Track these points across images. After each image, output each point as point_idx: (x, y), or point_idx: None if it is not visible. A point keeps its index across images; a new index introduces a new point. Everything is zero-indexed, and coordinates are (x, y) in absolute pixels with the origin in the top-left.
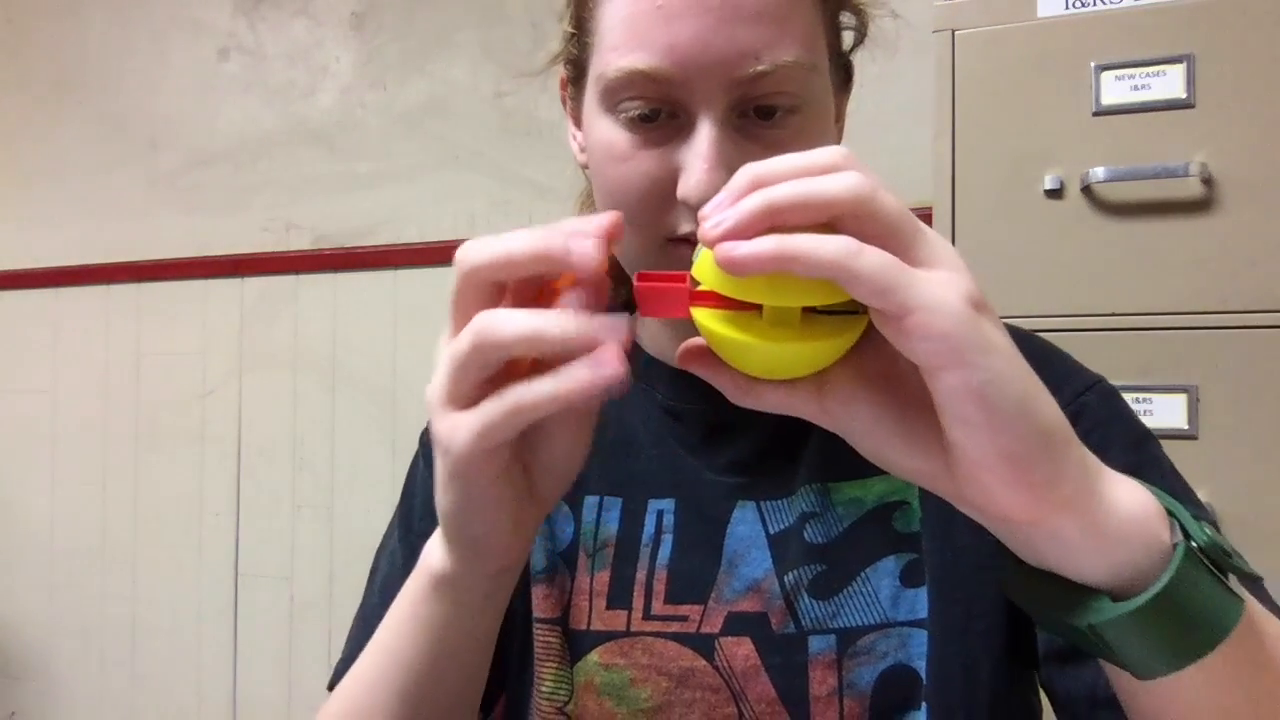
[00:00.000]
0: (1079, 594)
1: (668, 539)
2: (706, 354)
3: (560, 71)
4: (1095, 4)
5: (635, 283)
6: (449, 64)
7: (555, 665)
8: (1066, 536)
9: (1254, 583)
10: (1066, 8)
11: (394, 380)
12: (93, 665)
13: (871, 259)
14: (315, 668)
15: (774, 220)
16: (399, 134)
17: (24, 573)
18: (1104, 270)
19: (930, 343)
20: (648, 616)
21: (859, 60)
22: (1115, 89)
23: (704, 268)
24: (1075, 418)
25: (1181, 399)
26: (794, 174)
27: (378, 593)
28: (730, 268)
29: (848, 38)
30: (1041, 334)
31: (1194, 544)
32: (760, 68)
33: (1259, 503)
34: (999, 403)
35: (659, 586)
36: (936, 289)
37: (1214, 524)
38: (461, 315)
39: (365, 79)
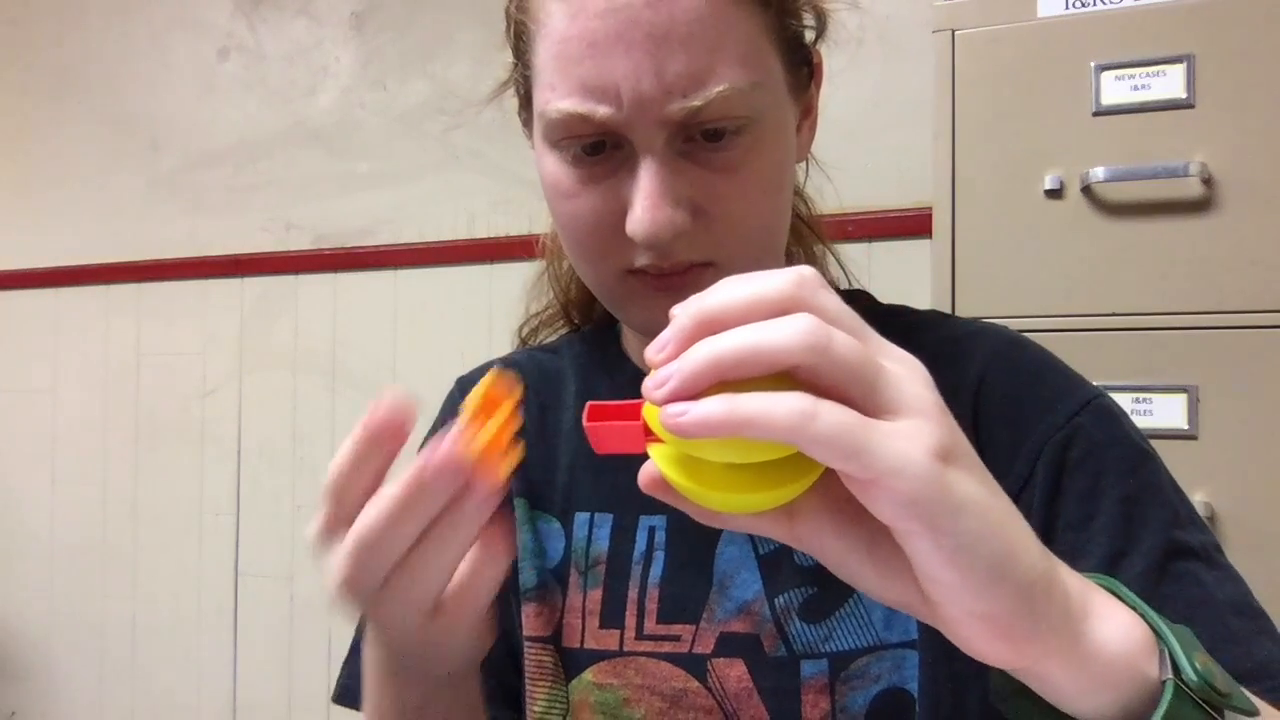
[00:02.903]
0: None
1: (659, 556)
2: (667, 484)
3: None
4: (1095, 4)
5: (585, 421)
6: (449, 64)
7: (549, 685)
8: (1051, 680)
9: (1251, 717)
10: (1066, 8)
11: (394, 380)
12: (93, 665)
13: (828, 421)
14: (315, 668)
15: (722, 376)
16: (399, 134)
17: (24, 572)
18: (1104, 270)
19: (896, 508)
20: (640, 636)
21: (859, 60)
22: (1115, 89)
23: (655, 416)
24: (1068, 441)
25: (1181, 399)
26: (743, 313)
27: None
28: (678, 433)
29: (809, 32)
30: (1041, 334)
31: (1184, 680)
32: (692, 104)
33: (1259, 503)
34: (972, 566)
35: (651, 605)
36: (900, 446)
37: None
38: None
39: (365, 79)
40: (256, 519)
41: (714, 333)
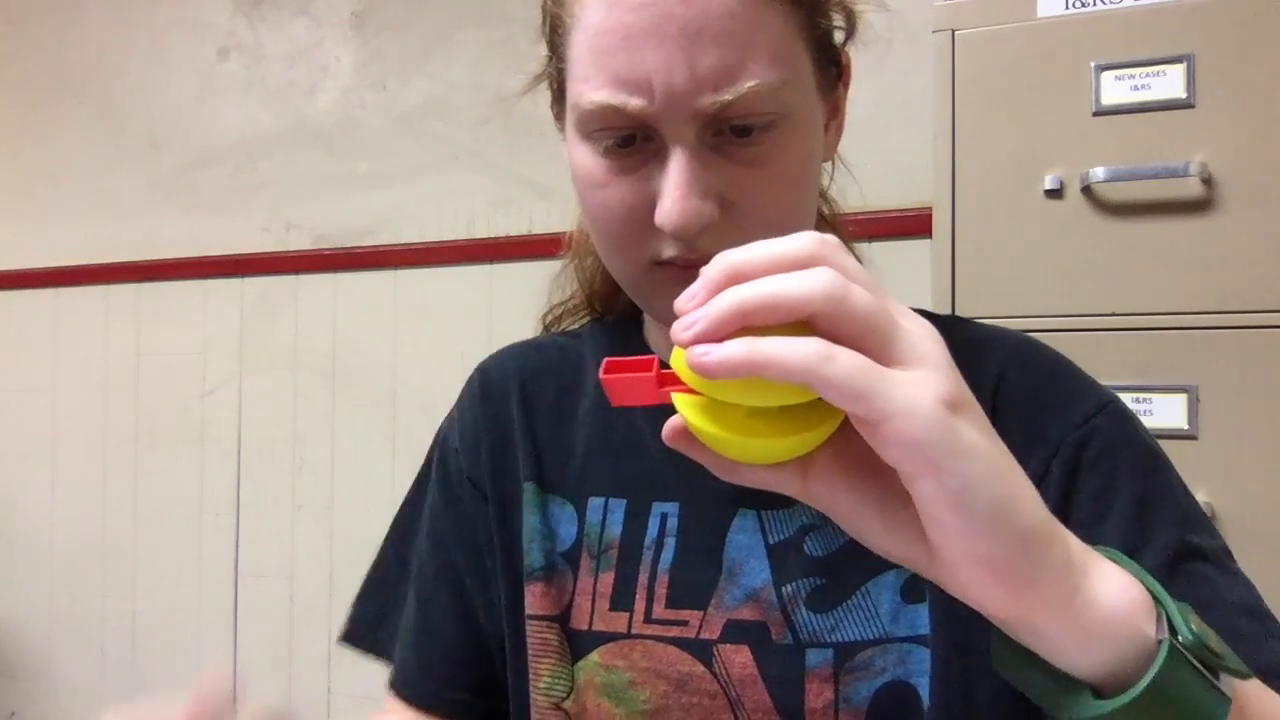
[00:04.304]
0: (1064, 682)
1: (670, 543)
2: (689, 434)
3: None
4: (1095, 4)
5: (601, 375)
6: (449, 64)
7: (553, 662)
8: (1048, 633)
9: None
10: (1066, 8)
11: (394, 380)
12: (93, 665)
13: (842, 364)
14: (315, 668)
15: (745, 322)
16: (399, 134)
17: (24, 572)
18: (1104, 270)
19: (903, 449)
20: (648, 620)
21: (858, 59)
22: (1115, 89)
23: (680, 361)
24: (1084, 441)
25: (1181, 399)
26: (768, 267)
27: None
28: (702, 372)
29: (838, 33)
30: (1041, 335)
31: (1179, 640)
32: (723, 98)
33: (1259, 503)
34: (974, 509)
35: (660, 590)
36: (910, 392)
37: (1203, 621)
38: None
39: (365, 79)
40: (256, 519)
41: (740, 283)
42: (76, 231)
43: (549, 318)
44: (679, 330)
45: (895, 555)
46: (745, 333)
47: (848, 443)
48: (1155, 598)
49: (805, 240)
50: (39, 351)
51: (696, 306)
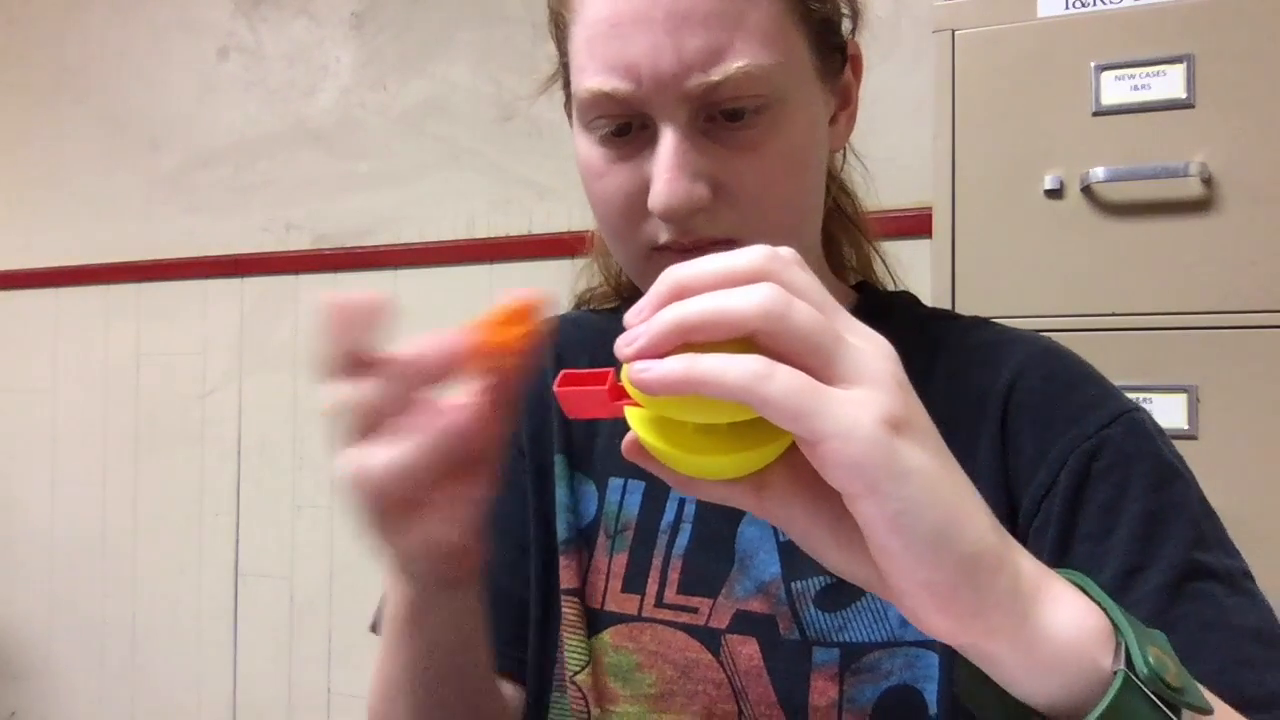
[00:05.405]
0: (1018, 710)
1: (686, 528)
2: (645, 450)
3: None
4: (1095, 4)
5: (556, 387)
6: (449, 64)
7: (570, 634)
8: (998, 660)
9: (1208, 715)
10: (1066, 8)
11: None
12: (93, 665)
13: (780, 383)
14: (315, 668)
15: (686, 338)
16: (399, 134)
17: (24, 573)
18: (1104, 270)
19: (842, 470)
20: (659, 604)
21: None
22: (1115, 89)
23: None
24: (1095, 452)
25: (1181, 399)
26: (714, 281)
27: None
28: (642, 389)
29: (845, 21)
30: (1043, 335)
31: (1135, 672)
32: (710, 79)
33: (1259, 503)
34: (914, 533)
35: (673, 575)
36: (849, 412)
37: (1171, 655)
38: None
39: (365, 79)
40: (256, 519)
41: (685, 298)
42: (76, 231)
43: (584, 297)
44: (622, 345)
45: (850, 575)
46: (689, 349)
47: (801, 460)
48: (1116, 626)
49: (754, 255)
50: (39, 351)
51: (642, 321)
